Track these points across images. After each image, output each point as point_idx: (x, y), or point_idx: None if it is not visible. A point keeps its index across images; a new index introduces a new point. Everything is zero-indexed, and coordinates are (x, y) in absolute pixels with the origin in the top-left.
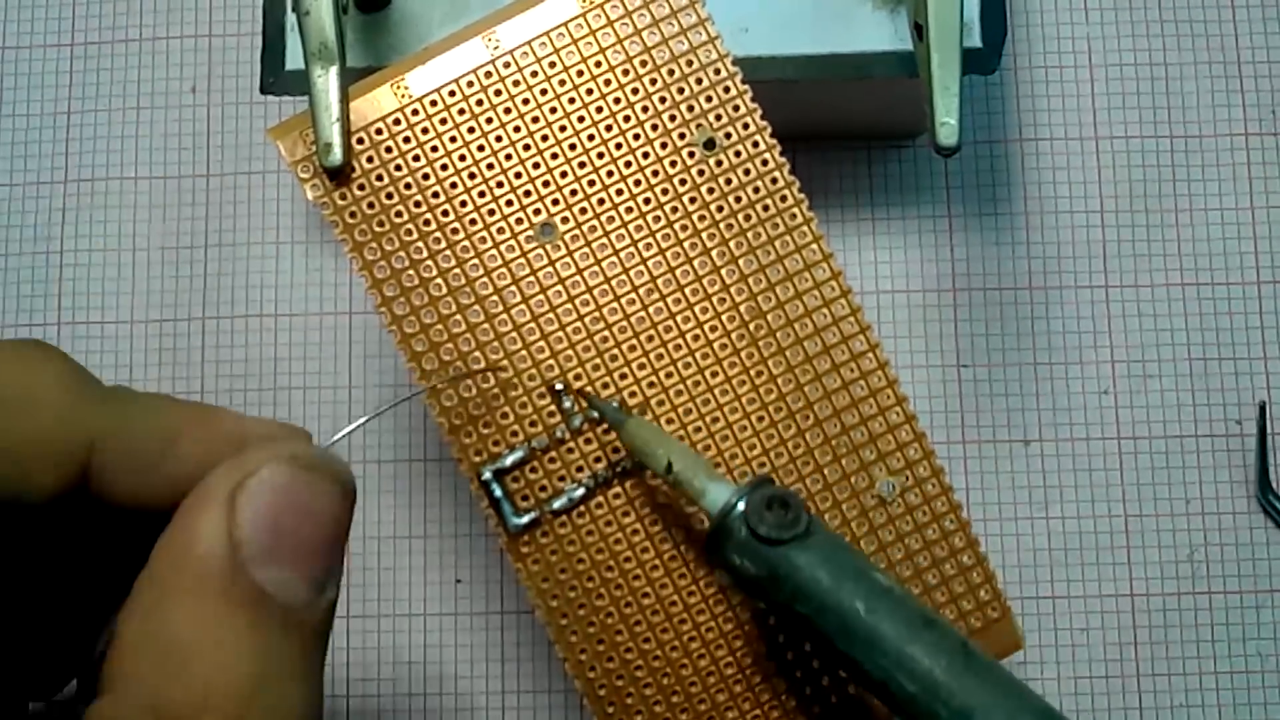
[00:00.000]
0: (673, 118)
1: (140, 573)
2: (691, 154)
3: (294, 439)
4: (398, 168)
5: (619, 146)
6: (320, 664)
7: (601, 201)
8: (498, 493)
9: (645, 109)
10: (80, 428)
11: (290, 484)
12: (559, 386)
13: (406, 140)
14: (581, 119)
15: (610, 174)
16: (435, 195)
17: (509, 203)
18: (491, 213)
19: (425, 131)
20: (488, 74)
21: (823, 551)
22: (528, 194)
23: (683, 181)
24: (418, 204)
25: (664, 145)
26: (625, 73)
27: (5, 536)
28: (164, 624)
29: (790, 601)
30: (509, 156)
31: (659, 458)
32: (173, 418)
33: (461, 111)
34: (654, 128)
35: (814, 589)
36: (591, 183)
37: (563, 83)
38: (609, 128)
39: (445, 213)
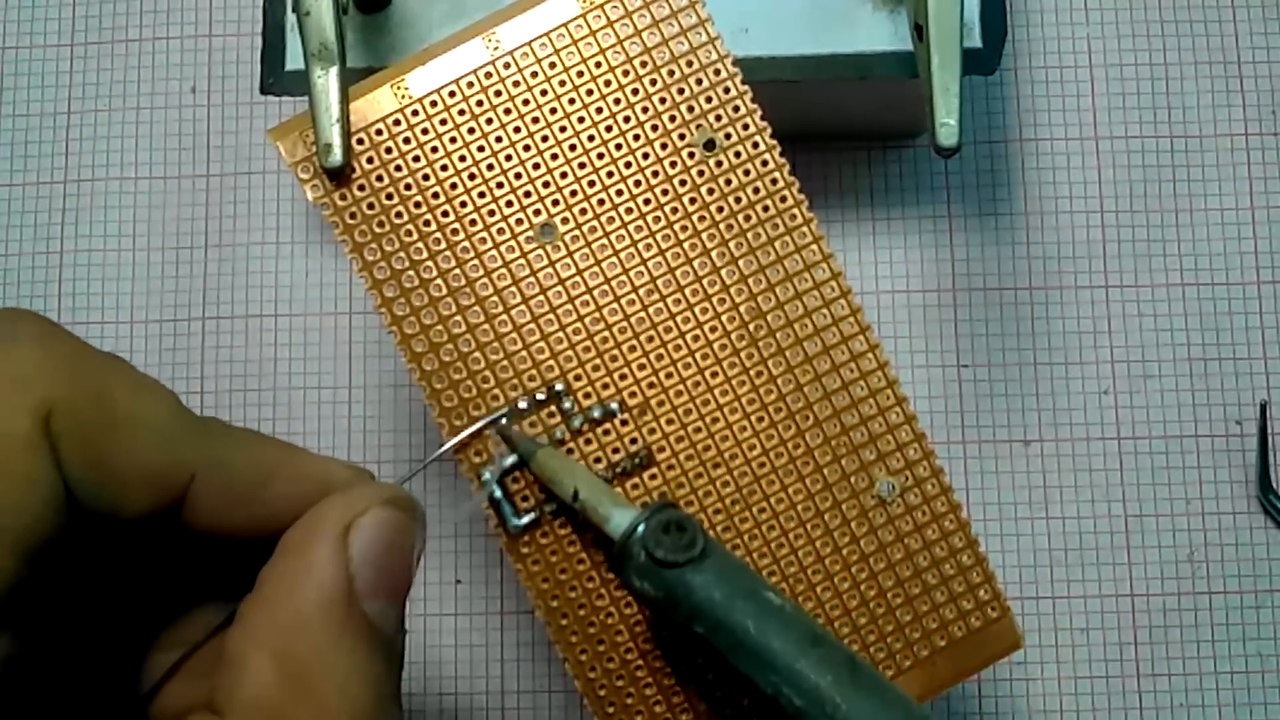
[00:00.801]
0: (673, 118)
1: (246, 600)
2: (692, 154)
3: (369, 480)
4: (398, 168)
5: (619, 147)
6: (400, 688)
7: (601, 202)
8: (498, 493)
9: (645, 109)
10: (184, 458)
11: (393, 524)
12: (559, 387)
13: (407, 141)
14: (582, 119)
15: (610, 174)
16: (435, 196)
17: (509, 203)
18: (492, 213)
19: (425, 132)
20: (488, 75)
21: (716, 573)
22: (528, 194)
23: (683, 182)
24: (418, 204)
25: (664, 146)
26: (625, 73)
27: (93, 548)
28: (288, 649)
29: (687, 621)
30: (509, 157)
31: (566, 486)
32: (267, 456)
33: (462, 112)
34: (654, 128)
35: (708, 609)
36: (592, 183)
37: (563, 83)
38: (609, 128)
39: (445, 213)
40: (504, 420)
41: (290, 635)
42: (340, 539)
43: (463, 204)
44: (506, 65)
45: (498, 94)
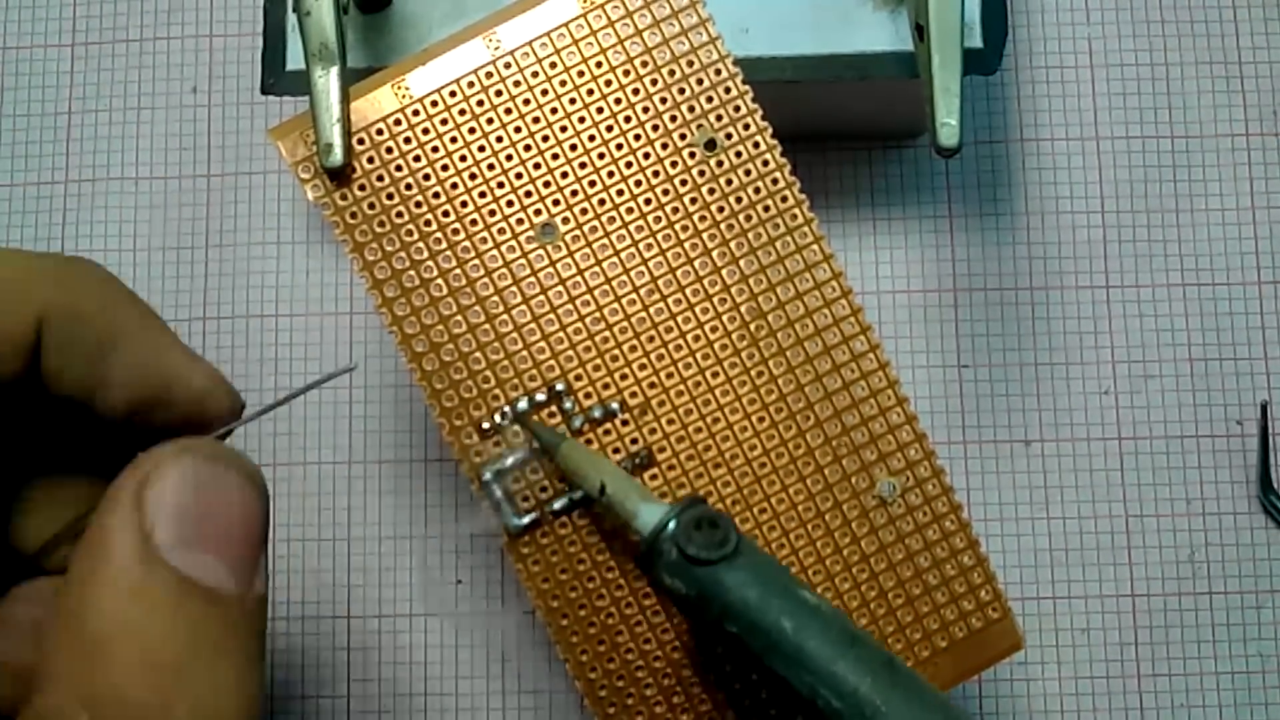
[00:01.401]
0: (674, 118)
1: (58, 590)
2: (692, 154)
3: (219, 404)
4: (398, 168)
5: (620, 147)
6: (257, 652)
7: (602, 202)
8: (498, 493)
9: (646, 109)
10: (28, 306)
11: (194, 475)
12: (560, 387)
13: (407, 141)
14: (582, 119)
15: (611, 174)
16: (436, 195)
17: (510, 203)
18: (492, 213)
19: (426, 132)
20: (488, 74)
21: (751, 571)
22: (529, 194)
23: (684, 182)
24: (418, 204)
25: (665, 146)
26: (626, 73)
27: None
28: (86, 619)
29: (720, 620)
30: (510, 157)
31: (592, 480)
32: (118, 316)
33: (462, 112)
34: (655, 128)
35: (742, 608)
36: (592, 183)
37: (564, 83)
38: (610, 128)
39: (446, 213)
40: (521, 414)
41: (84, 607)
42: (133, 498)
43: (463, 204)
44: (507, 65)
45: (498, 94)
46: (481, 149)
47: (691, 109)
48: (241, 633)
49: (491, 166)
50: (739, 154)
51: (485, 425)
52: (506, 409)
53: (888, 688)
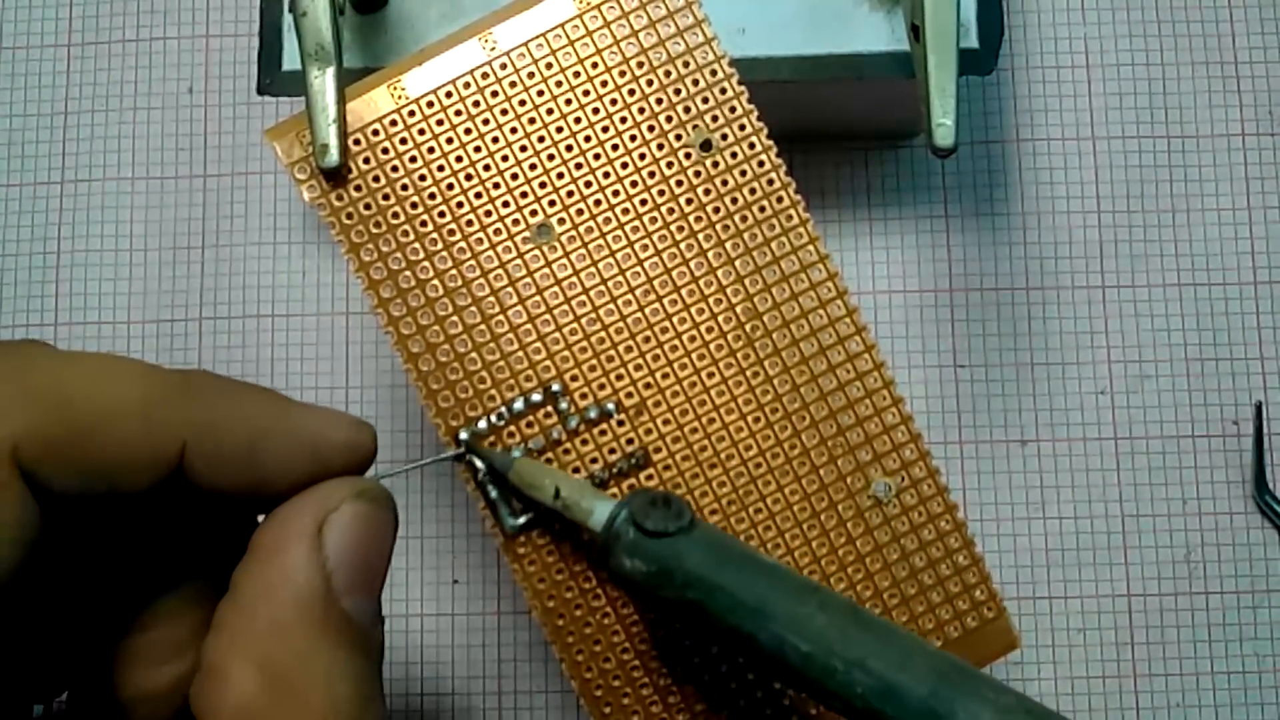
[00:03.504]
0: (669, 119)
1: (222, 605)
2: (688, 155)
3: (365, 446)
4: (394, 169)
5: (615, 148)
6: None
7: (598, 203)
8: (494, 494)
9: (642, 110)
10: (166, 432)
11: (367, 518)
12: (555, 388)
13: (403, 142)
14: (578, 120)
15: (607, 175)
16: (432, 197)
17: (506, 204)
18: (488, 214)
19: (422, 133)
20: (484, 75)
21: (708, 540)
22: (524, 196)
23: (679, 183)
24: (414, 205)
25: (660, 147)
26: (622, 74)
27: (104, 526)
28: (269, 654)
29: (682, 591)
30: (506, 158)
31: (546, 489)
32: (257, 413)
33: (458, 113)
34: (650, 129)
35: (703, 572)
36: (588, 184)
37: (559, 84)
38: (606, 129)
39: (442, 214)
40: (474, 444)
41: (270, 640)
42: (314, 538)
43: (459, 205)
44: (503, 66)
45: (494, 95)
46: (477, 150)
47: (687, 109)
48: (380, 672)
49: (487, 167)
50: (735, 155)
51: (481, 425)
52: (503, 409)
53: (854, 627)
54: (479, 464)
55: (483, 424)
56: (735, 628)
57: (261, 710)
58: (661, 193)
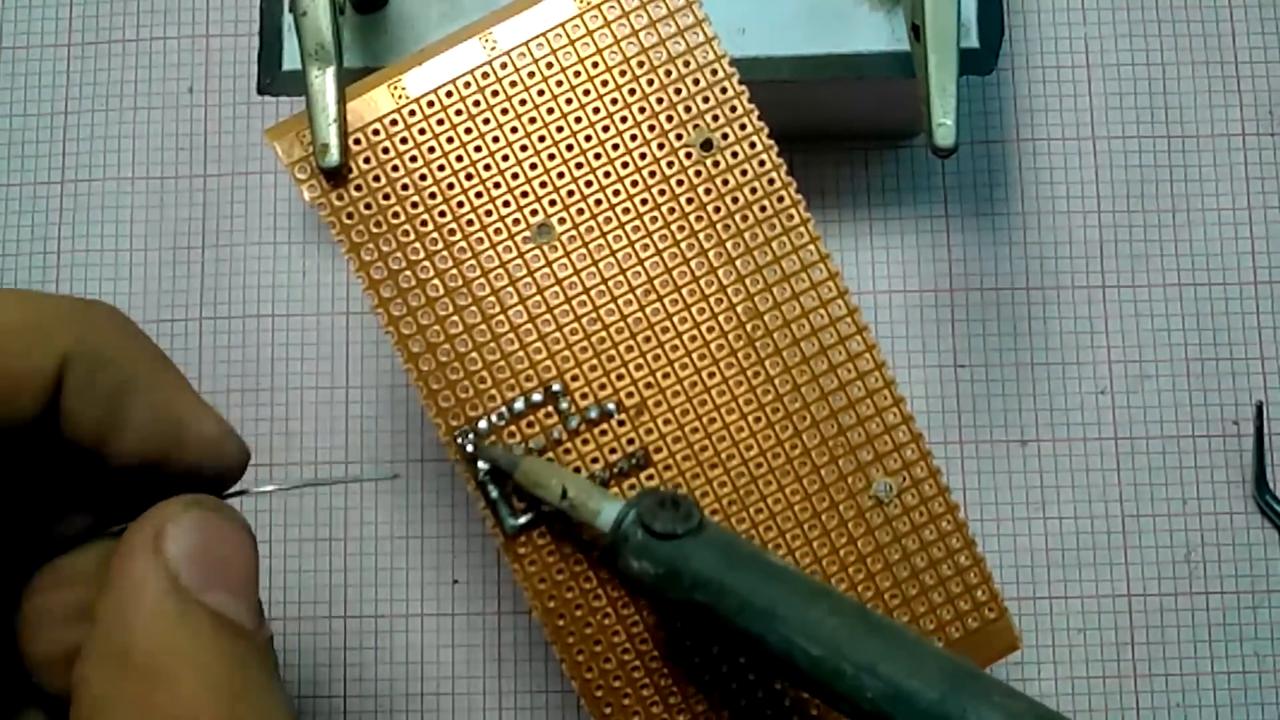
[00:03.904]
0: (670, 119)
1: (86, 638)
2: (689, 155)
3: (231, 455)
4: (395, 169)
5: (616, 148)
6: (280, 682)
7: (598, 203)
8: (495, 494)
9: (642, 110)
10: (48, 349)
11: (204, 525)
12: (556, 388)
13: (403, 141)
14: (579, 120)
15: (607, 175)
16: (432, 196)
17: (506, 204)
18: (488, 214)
19: (422, 133)
20: (485, 75)
21: (717, 542)
22: (525, 195)
23: (680, 182)
24: (415, 205)
25: (661, 146)
26: (622, 74)
27: None
28: (132, 651)
29: (691, 593)
30: (506, 158)
31: (554, 488)
32: (141, 364)
33: (458, 113)
34: (651, 129)
35: (712, 575)
36: (589, 184)
37: (560, 84)
38: (606, 129)
39: (442, 214)
40: (480, 446)
41: (129, 642)
42: (152, 547)
43: (460, 204)
44: (503, 65)
45: (494, 94)
46: (478, 149)
47: (688, 109)
48: (269, 664)
49: (488, 167)
50: (735, 154)
51: (482, 425)
52: (503, 409)
53: (862, 630)
54: (481, 464)
55: (483, 424)
56: (744, 630)
57: (133, 696)
58: (662, 192)
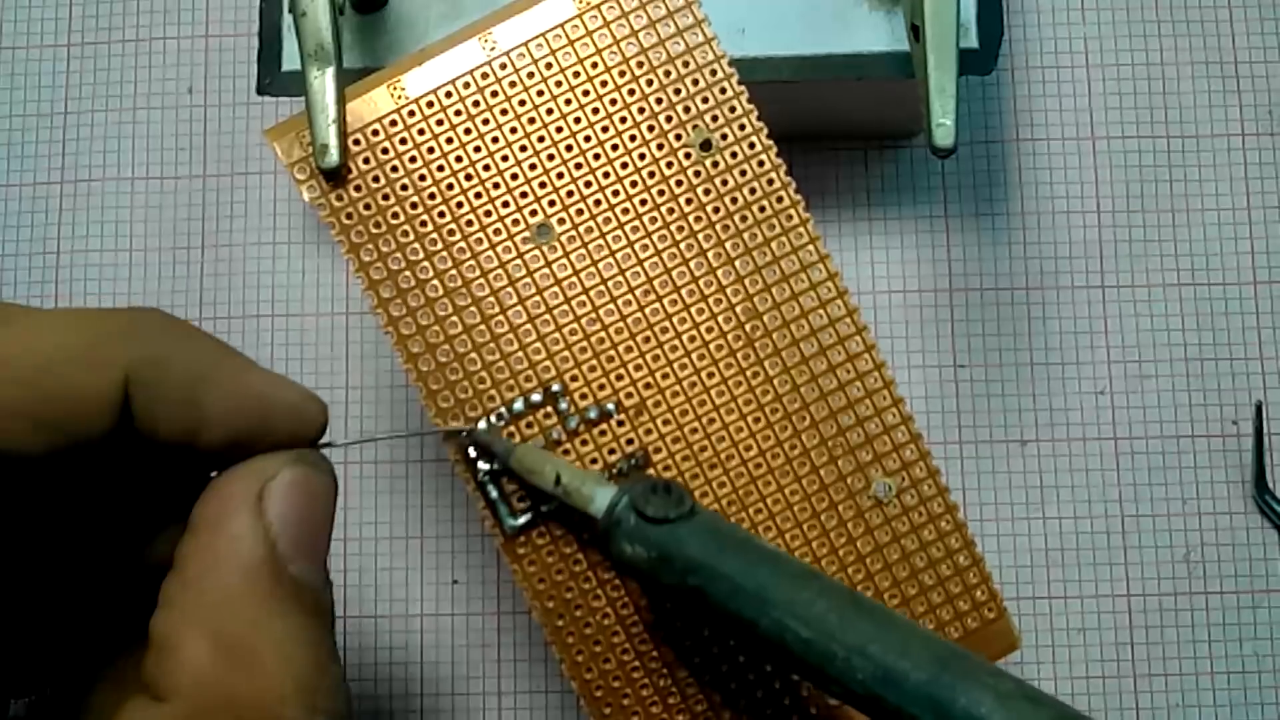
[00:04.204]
0: (669, 119)
1: (168, 581)
2: (688, 155)
3: (315, 414)
4: (394, 169)
5: (615, 148)
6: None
7: (598, 203)
8: (494, 494)
9: (642, 110)
10: (111, 368)
11: (307, 484)
12: (555, 388)
13: (403, 142)
14: (578, 120)
15: (607, 175)
16: (432, 197)
17: (505, 204)
18: (488, 214)
19: (422, 133)
20: (484, 75)
21: (709, 526)
22: (524, 196)
23: (679, 183)
24: (414, 205)
25: (660, 147)
26: (622, 74)
27: (60, 481)
28: (221, 626)
29: (683, 577)
30: (505, 158)
31: (547, 475)
32: (204, 353)
33: (458, 113)
34: (650, 129)
35: (704, 559)
36: (588, 184)
37: (559, 84)
38: (605, 129)
39: (442, 214)
40: (476, 432)
41: (220, 611)
42: (255, 506)
43: (459, 205)
44: (503, 66)
45: (494, 95)
46: (477, 150)
47: (687, 109)
48: (333, 635)
49: (487, 167)
50: (734, 154)
51: (481, 426)
52: (502, 410)
53: (853, 612)
54: (479, 461)
55: (483, 424)
56: (736, 614)
57: (219, 679)
58: (661, 193)
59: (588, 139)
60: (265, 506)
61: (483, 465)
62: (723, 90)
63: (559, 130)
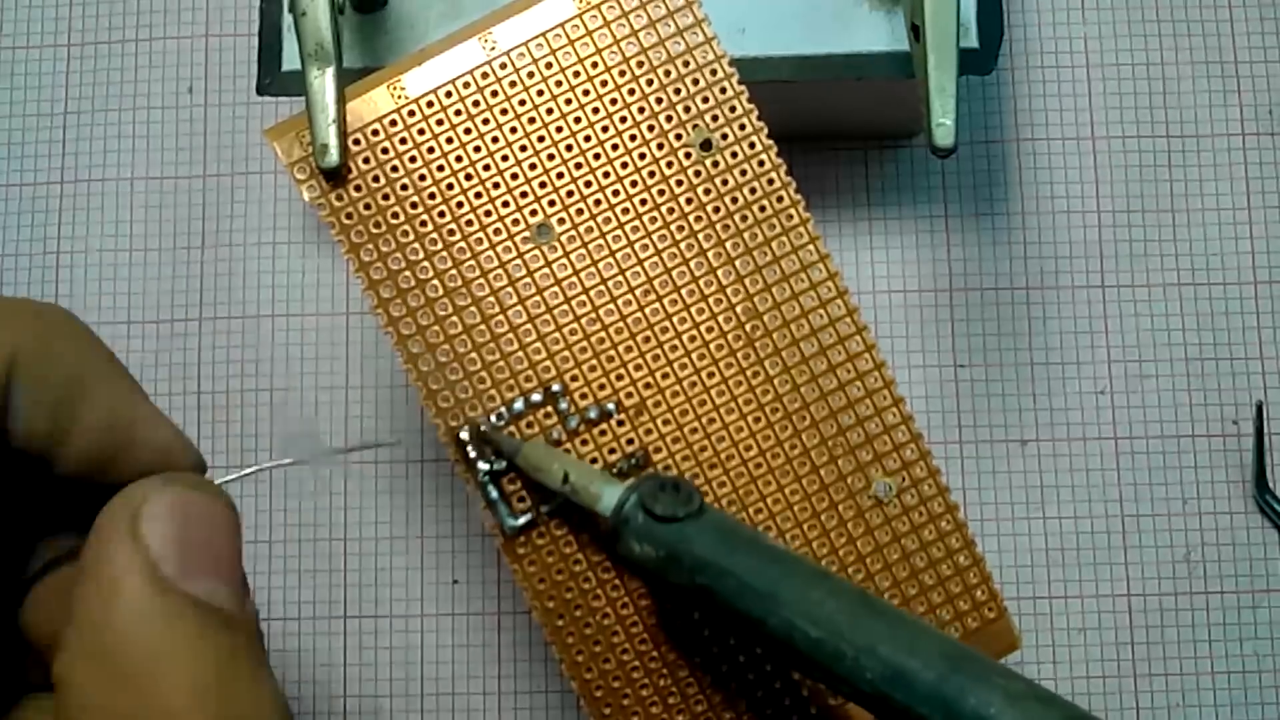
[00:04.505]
0: (669, 119)
1: (64, 632)
2: (688, 155)
3: (181, 463)
4: (394, 169)
5: (615, 148)
6: (269, 670)
7: (598, 203)
8: (494, 494)
9: (642, 110)
10: (2, 335)
11: (184, 504)
12: (555, 388)
13: (403, 141)
14: (578, 120)
15: (607, 175)
16: (432, 197)
17: (505, 204)
18: (488, 214)
19: (422, 133)
20: (484, 75)
21: (717, 525)
22: (524, 195)
23: (679, 183)
24: (414, 205)
25: (660, 146)
26: (622, 74)
27: None
28: (114, 652)
29: (691, 576)
30: (505, 158)
31: (555, 473)
32: (90, 363)
33: (458, 113)
34: (650, 129)
35: (712, 557)
36: (588, 184)
37: (559, 84)
38: (605, 129)
39: (442, 214)
40: (483, 428)
41: (108, 642)
42: (130, 533)
43: (459, 205)
44: (503, 66)
45: (494, 94)
46: (477, 150)
47: (687, 109)
48: (257, 650)
49: (487, 167)
50: (735, 154)
51: (481, 426)
52: (503, 410)
53: (864, 613)
54: (479, 461)
55: (483, 425)
56: (744, 613)
57: (107, 704)
58: (661, 192)
59: (588, 139)
60: (140, 531)
61: (483, 465)
62: (723, 90)
63: (559, 130)
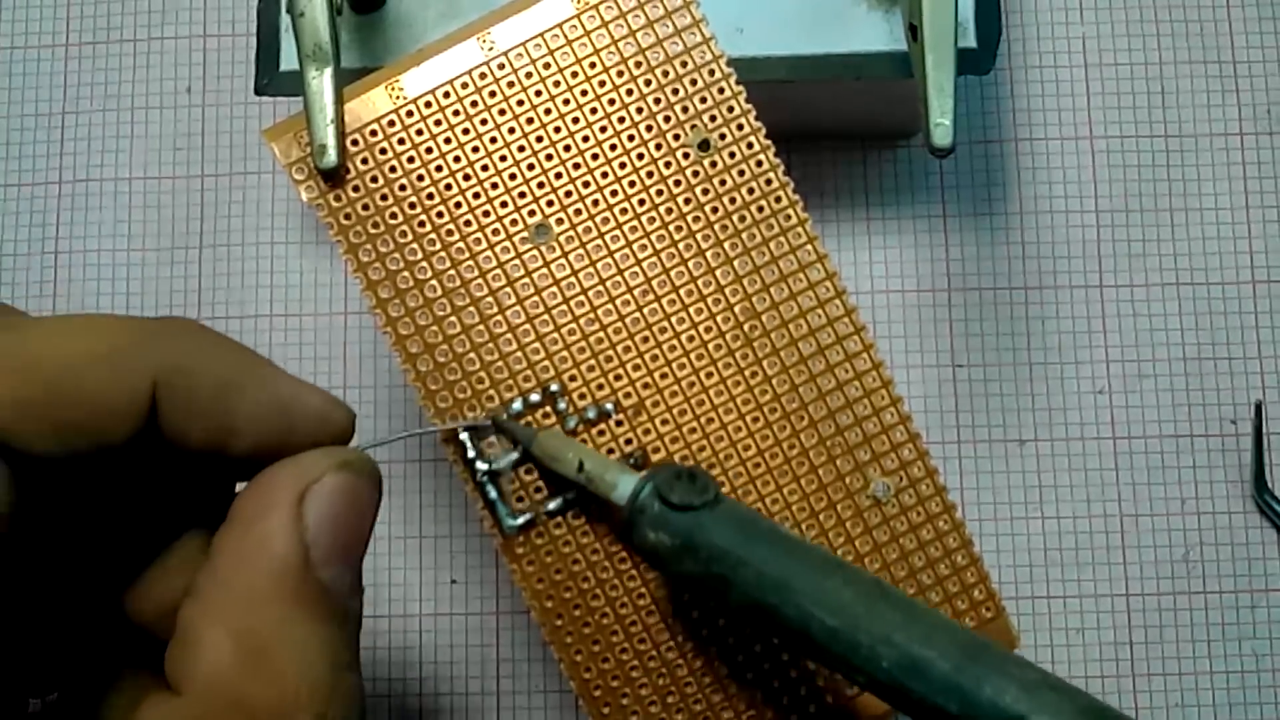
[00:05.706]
0: (667, 119)
1: (201, 571)
2: (686, 155)
3: (340, 421)
4: (392, 169)
5: (614, 148)
6: (359, 667)
7: (596, 203)
8: (493, 494)
9: (640, 110)
10: (137, 375)
11: (350, 490)
12: (554, 388)
13: (401, 142)
14: (576, 120)
15: (605, 175)
16: (430, 197)
17: (504, 204)
18: (486, 214)
19: (420, 133)
20: (482, 75)
21: (733, 514)
22: (523, 195)
23: (677, 183)
24: (412, 206)
25: (659, 146)
26: (620, 74)
27: (87, 487)
28: (243, 624)
29: (707, 565)
30: (504, 158)
31: (570, 462)
32: (231, 361)
33: (456, 113)
34: (649, 129)
35: (729, 546)
36: (586, 184)
37: (557, 84)
38: (604, 129)
39: (440, 214)
40: (499, 418)
41: (245, 609)
42: (294, 507)
43: (457, 205)
44: (501, 66)
45: (492, 95)
46: (475, 150)
47: (685, 109)
48: (357, 645)
49: (485, 167)
50: (733, 154)
51: (496, 418)
52: (501, 410)
53: (880, 602)
54: (478, 461)
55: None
56: (760, 602)
57: (233, 680)
58: (659, 193)
59: (586, 139)
60: (305, 508)
61: (481, 465)
62: (721, 90)
63: (557, 131)
